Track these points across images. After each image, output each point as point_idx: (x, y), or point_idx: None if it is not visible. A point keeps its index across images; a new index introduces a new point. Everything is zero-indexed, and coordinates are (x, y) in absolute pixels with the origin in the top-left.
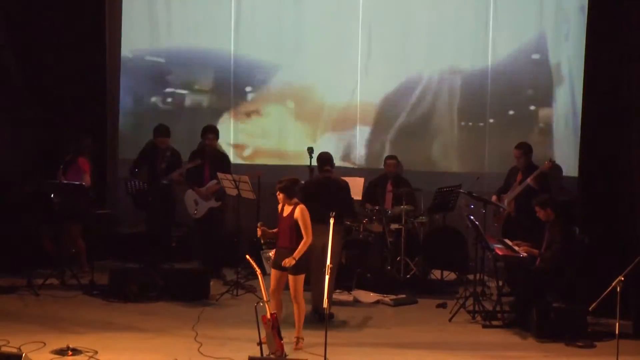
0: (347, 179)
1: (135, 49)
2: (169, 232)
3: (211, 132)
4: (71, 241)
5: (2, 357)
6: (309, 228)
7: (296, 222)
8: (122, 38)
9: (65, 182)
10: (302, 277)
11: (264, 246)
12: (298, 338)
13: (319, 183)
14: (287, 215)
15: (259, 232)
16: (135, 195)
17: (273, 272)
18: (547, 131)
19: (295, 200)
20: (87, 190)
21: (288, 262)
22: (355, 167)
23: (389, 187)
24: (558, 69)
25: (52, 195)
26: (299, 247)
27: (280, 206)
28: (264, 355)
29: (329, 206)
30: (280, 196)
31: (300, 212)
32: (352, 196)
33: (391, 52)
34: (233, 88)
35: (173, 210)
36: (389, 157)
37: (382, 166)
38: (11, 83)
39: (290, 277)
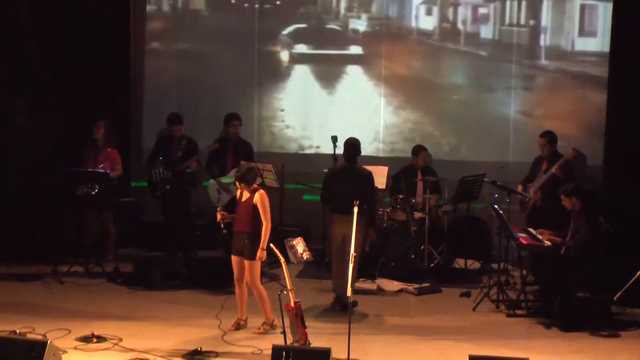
0: (370, 167)
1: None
2: (189, 221)
3: (236, 118)
4: (103, 227)
5: (27, 344)
6: (268, 213)
7: (255, 207)
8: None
9: (90, 170)
10: (258, 263)
11: (224, 230)
12: (264, 323)
13: (343, 172)
14: (246, 200)
15: (218, 217)
16: (156, 184)
17: (233, 259)
18: (572, 119)
19: (255, 185)
20: (111, 178)
21: (260, 255)
22: (379, 155)
23: (419, 176)
24: (583, 56)
25: (88, 185)
26: (262, 235)
27: (239, 192)
28: (288, 343)
29: (352, 196)
30: (241, 185)
31: (260, 197)
32: (376, 185)
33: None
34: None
35: (189, 199)
36: (421, 149)
37: (403, 155)
38: (35, 71)
39: (247, 262)
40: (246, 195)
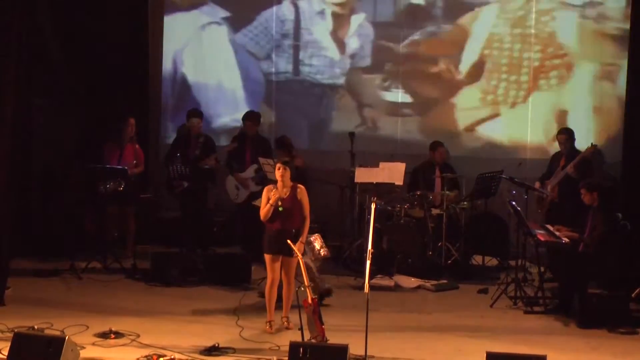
0: (387, 164)
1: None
2: (207, 217)
3: (254, 116)
4: (123, 223)
5: (45, 340)
6: (308, 208)
7: (300, 202)
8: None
9: (109, 166)
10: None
11: (281, 208)
12: (288, 317)
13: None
14: (291, 197)
15: (277, 195)
16: (174, 181)
17: (274, 259)
18: (590, 115)
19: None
20: (130, 175)
21: (300, 248)
22: (396, 152)
23: (438, 172)
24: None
25: (113, 181)
26: (305, 229)
27: (283, 189)
28: (305, 340)
29: None
30: (287, 173)
31: (304, 193)
32: (393, 181)
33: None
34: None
35: (207, 196)
36: (440, 144)
37: (419, 151)
38: (53, 66)
39: (292, 259)
40: (285, 191)
